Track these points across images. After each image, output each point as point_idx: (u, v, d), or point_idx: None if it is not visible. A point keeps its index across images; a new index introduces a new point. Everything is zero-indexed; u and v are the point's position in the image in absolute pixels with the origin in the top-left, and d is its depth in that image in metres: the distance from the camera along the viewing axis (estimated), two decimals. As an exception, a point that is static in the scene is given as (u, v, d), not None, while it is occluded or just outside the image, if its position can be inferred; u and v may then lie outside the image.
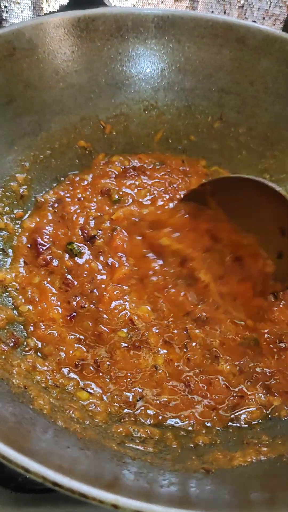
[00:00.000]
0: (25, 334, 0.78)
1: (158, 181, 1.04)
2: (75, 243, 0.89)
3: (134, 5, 1.48)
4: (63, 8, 1.36)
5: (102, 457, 0.58)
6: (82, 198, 0.98)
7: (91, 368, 0.75)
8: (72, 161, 1.04)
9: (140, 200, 1.00)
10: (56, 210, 0.95)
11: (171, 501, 0.47)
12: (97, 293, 0.82)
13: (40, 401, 0.64)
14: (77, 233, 0.91)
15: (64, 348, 0.76)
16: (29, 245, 0.89)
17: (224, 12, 1.48)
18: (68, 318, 0.79)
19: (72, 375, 0.74)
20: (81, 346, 0.77)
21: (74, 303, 0.81)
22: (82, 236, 0.91)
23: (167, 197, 1.00)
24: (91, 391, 0.72)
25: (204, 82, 1.08)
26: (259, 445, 0.65)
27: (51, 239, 0.90)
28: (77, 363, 0.75)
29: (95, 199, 0.98)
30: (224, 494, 0.55)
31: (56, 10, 1.41)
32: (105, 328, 0.78)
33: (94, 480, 0.47)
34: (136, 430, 0.67)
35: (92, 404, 0.70)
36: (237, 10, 1.48)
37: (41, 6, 1.44)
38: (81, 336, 0.78)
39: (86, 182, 1.02)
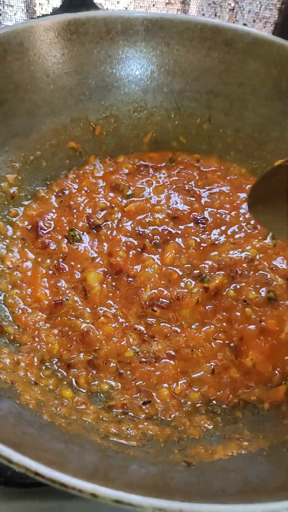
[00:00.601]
0: (8, 318, 0.80)
1: (174, 179, 1.06)
2: (77, 230, 0.92)
3: (126, 8, 1.50)
4: (56, 11, 1.38)
5: (85, 450, 0.59)
6: (89, 191, 1.01)
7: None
8: (62, 161, 1.05)
9: (155, 196, 1.02)
10: (62, 200, 0.98)
11: (150, 491, 0.49)
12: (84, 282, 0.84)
13: (27, 396, 0.65)
14: (83, 222, 0.94)
15: (44, 339, 0.78)
16: (29, 227, 0.92)
17: (215, 15, 1.50)
18: (54, 303, 0.81)
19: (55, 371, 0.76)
20: (63, 339, 0.79)
21: (63, 288, 0.83)
22: (87, 225, 0.94)
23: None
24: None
25: (193, 84, 1.10)
26: (241, 439, 0.67)
27: (52, 224, 0.93)
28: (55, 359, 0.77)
29: (103, 192, 1.01)
30: (204, 485, 0.56)
31: (49, 13, 1.43)
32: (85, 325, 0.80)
33: (75, 471, 0.48)
34: (129, 429, 0.69)
35: (82, 403, 0.72)
36: (228, 13, 1.50)
37: (34, 9, 1.46)
38: (63, 329, 0.80)
39: (93, 180, 1.04)
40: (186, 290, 0.84)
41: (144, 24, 1.06)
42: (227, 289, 0.85)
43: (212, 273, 0.86)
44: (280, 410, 0.73)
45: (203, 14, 1.50)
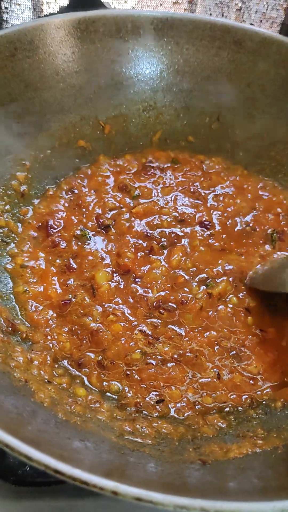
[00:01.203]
0: (20, 316, 0.80)
1: (181, 180, 1.06)
2: (87, 229, 0.93)
3: (133, 7, 1.50)
4: (63, 10, 1.38)
5: (101, 448, 0.59)
6: (98, 190, 1.01)
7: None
8: (72, 160, 1.05)
9: (162, 198, 1.02)
10: (71, 199, 0.99)
11: (168, 489, 0.48)
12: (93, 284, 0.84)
13: (41, 395, 0.65)
14: (92, 221, 0.95)
15: (56, 337, 0.78)
16: (39, 226, 0.93)
17: (222, 15, 1.50)
18: (63, 303, 0.81)
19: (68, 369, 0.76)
20: (73, 337, 0.79)
21: (73, 287, 0.84)
22: (96, 225, 0.94)
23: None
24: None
25: (202, 84, 1.10)
26: (255, 438, 0.67)
27: (62, 223, 0.94)
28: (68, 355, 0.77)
29: (111, 192, 1.01)
30: (221, 484, 0.56)
31: (56, 12, 1.43)
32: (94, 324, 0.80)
33: (94, 468, 0.48)
34: (143, 427, 0.69)
35: (96, 402, 0.72)
36: (235, 13, 1.50)
37: (41, 8, 1.46)
38: (73, 327, 0.80)
39: (100, 179, 1.04)
40: (190, 296, 0.84)
41: (154, 23, 1.06)
42: (230, 296, 0.86)
43: (216, 279, 0.87)
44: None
45: (210, 14, 1.50)
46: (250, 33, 1.06)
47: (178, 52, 1.09)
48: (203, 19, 1.07)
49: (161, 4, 1.49)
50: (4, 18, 1.46)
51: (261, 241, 0.96)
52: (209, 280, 0.86)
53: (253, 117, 1.10)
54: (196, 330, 0.81)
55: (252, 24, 1.50)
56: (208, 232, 0.95)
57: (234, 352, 0.79)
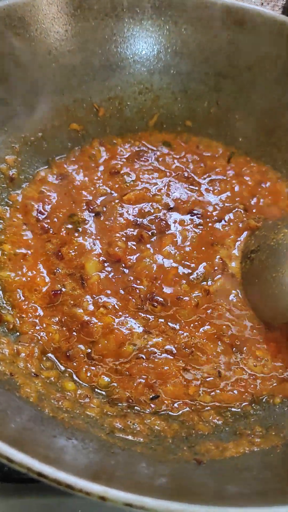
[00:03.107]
0: (6, 305, 0.76)
1: (176, 166, 1.02)
2: (77, 215, 0.89)
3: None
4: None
5: (89, 447, 0.56)
6: (89, 175, 0.97)
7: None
8: (64, 144, 1.00)
9: (154, 184, 0.98)
10: (62, 184, 0.95)
11: (161, 493, 0.45)
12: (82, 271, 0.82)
13: (27, 389, 0.62)
14: (82, 208, 0.91)
15: (45, 327, 0.75)
16: (28, 211, 0.89)
17: (222, -3, 1.45)
18: (53, 293, 0.78)
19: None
20: (62, 329, 0.75)
21: (60, 276, 0.81)
22: (87, 211, 0.91)
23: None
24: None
25: (201, 66, 1.05)
26: (252, 435, 0.64)
27: (51, 209, 0.90)
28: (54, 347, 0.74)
29: (103, 178, 0.97)
30: (217, 486, 0.53)
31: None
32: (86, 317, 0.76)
33: (81, 470, 0.45)
34: (135, 423, 0.65)
35: (85, 397, 0.68)
36: (235, -5, 1.45)
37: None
38: (62, 318, 0.76)
39: (93, 164, 1.00)
40: (185, 291, 0.81)
41: (152, 1, 1.00)
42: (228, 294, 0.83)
43: (214, 275, 0.84)
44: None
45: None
46: (252, 13, 1.01)
47: (176, 32, 1.04)
48: (203, -3, 1.03)
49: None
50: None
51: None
52: (202, 272, 0.83)
53: (253, 102, 1.05)
54: (191, 325, 0.78)
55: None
56: (201, 221, 0.92)
57: (234, 348, 0.76)
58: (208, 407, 0.70)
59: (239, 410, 0.70)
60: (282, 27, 1.00)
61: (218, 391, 0.71)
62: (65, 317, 0.76)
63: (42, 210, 0.89)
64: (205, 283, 0.82)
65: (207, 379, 0.72)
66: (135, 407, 0.68)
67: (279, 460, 0.59)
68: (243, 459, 0.59)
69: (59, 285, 0.79)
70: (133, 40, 1.03)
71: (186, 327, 0.77)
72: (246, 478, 0.55)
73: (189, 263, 0.86)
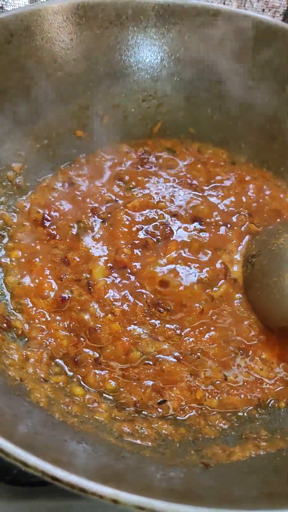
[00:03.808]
0: (18, 313, 0.77)
1: (179, 173, 1.04)
2: (83, 222, 0.91)
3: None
4: (60, -4, 1.33)
5: (99, 451, 0.57)
6: (94, 182, 0.98)
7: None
8: (69, 151, 1.02)
9: (158, 191, 0.99)
10: (68, 190, 0.96)
11: (170, 496, 0.46)
12: (89, 276, 0.82)
13: (37, 394, 0.63)
14: (88, 214, 0.92)
15: (53, 333, 0.76)
16: (35, 218, 0.90)
17: (224, 3, 1.46)
18: (61, 299, 0.79)
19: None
20: (70, 334, 0.76)
21: (67, 281, 0.82)
22: (93, 218, 0.92)
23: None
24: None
25: (204, 73, 1.07)
26: (258, 439, 0.65)
27: (58, 216, 0.91)
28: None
29: (107, 185, 0.99)
30: (225, 489, 0.54)
31: (54, -2, 1.39)
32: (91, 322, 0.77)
33: (92, 474, 0.46)
34: (143, 428, 0.66)
35: (94, 401, 0.69)
36: (237, 2, 1.46)
37: (38, -7, 1.41)
38: (70, 324, 0.77)
39: (97, 170, 1.02)
40: (190, 297, 0.82)
41: (155, 10, 1.02)
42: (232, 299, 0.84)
43: (217, 281, 0.85)
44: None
45: (212, 2, 1.46)
46: (255, 22, 1.02)
47: (179, 40, 1.05)
48: (206, 5, 1.04)
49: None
50: (0, 5, 1.42)
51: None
52: (206, 277, 0.84)
53: (256, 109, 1.06)
54: (197, 330, 0.79)
55: (254, 14, 1.46)
56: (204, 227, 0.93)
57: (240, 352, 0.77)
58: (214, 412, 0.71)
59: (244, 414, 0.71)
60: (284, 35, 1.01)
61: (225, 395, 0.72)
62: (73, 323, 0.77)
63: (49, 217, 0.90)
64: (209, 290, 0.83)
65: (214, 383, 0.73)
66: (143, 412, 0.69)
67: (285, 464, 0.60)
68: (250, 463, 0.60)
69: (66, 291, 0.80)
70: (137, 48, 1.05)
71: (192, 332, 0.78)
72: (253, 482, 0.56)
73: (193, 269, 0.87)
